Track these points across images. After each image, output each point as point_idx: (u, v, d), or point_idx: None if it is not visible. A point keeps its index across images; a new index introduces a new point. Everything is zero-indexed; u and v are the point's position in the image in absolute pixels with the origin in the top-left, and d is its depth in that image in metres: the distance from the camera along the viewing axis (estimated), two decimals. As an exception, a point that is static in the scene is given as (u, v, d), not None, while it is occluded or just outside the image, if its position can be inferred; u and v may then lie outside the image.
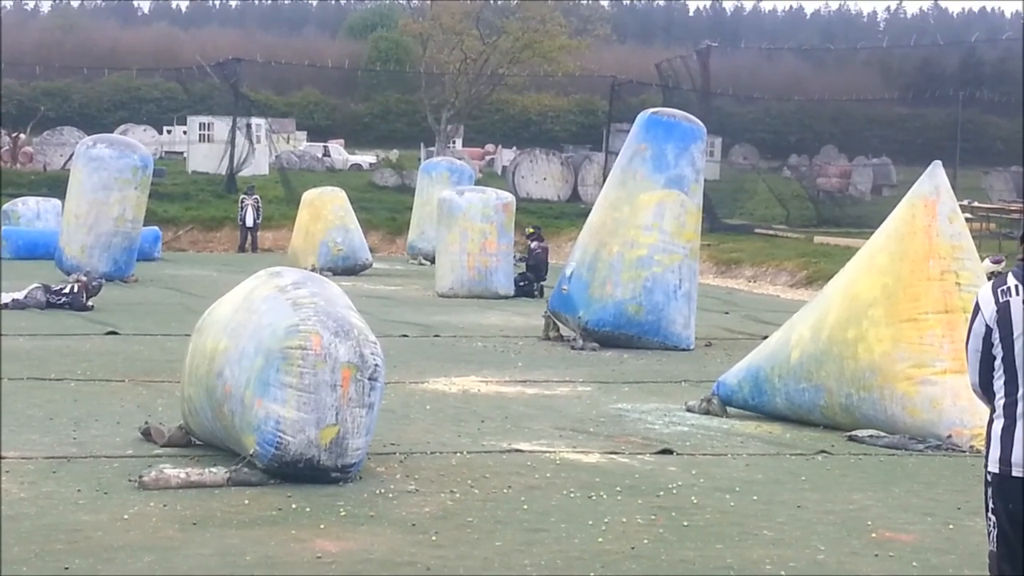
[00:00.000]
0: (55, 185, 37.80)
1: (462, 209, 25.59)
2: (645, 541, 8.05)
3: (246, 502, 8.74)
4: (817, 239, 37.32)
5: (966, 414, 11.35)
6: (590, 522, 8.46)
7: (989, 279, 8.27)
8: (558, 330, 18.79)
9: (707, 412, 12.97)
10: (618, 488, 9.46)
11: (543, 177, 50.85)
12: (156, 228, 34.11)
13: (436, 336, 18.87)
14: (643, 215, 18.07)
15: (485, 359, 16.65)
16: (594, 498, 9.16)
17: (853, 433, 11.85)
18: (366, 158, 67.35)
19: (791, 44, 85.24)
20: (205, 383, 9.95)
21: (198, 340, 10.35)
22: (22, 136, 57.23)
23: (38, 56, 75.06)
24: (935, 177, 12.54)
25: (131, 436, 10.82)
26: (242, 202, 38.65)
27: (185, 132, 62.19)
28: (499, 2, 61.49)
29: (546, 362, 16.58)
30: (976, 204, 40.70)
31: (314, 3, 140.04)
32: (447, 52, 57.22)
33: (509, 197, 26.82)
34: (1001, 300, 5.48)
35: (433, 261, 28.57)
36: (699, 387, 14.34)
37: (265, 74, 71.47)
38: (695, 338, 18.41)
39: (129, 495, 8.84)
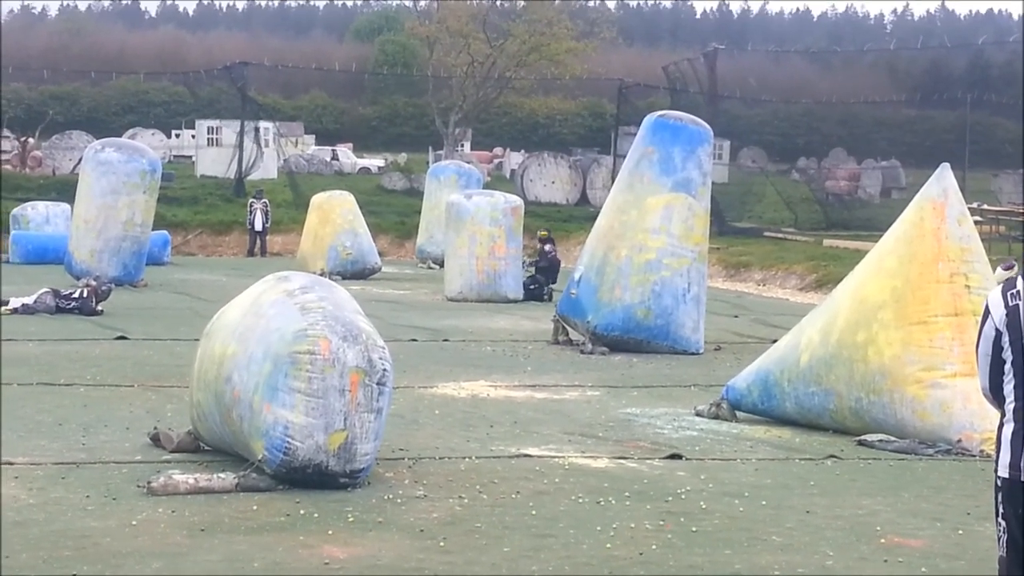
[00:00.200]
0: (64, 189, 37.84)
1: (470, 213, 25.59)
2: (653, 547, 8.03)
3: (254, 508, 8.74)
4: (826, 242, 37.27)
5: (976, 418, 11.32)
6: (598, 528, 8.45)
7: None
8: (567, 334, 18.78)
9: (716, 416, 12.95)
10: (627, 493, 9.45)
11: (551, 180, 50.84)
12: (165, 232, 34.16)
13: (445, 340, 18.87)
14: (651, 219, 18.06)
15: (494, 363, 16.64)
16: (603, 503, 9.15)
17: (863, 438, 11.83)
18: (375, 162, 67.39)
19: (798, 46, 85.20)
20: (214, 388, 9.95)
21: (206, 345, 10.35)
22: (31, 140, 57.31)
23: (46, 60, 75.20)
24: (943, 180, 12.51)
25: (140, 441, 10.83)
26: (251, 206, 38.66)
27: (193, 136, 62.26)
28: (505, 5, 61.48)
29: (555, 366, 16.57)
30: (985, 207, 40.63)
31: (321, 6, 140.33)
32: (454, 55, 57.23)
33: (517, 201, 26.82)
34: (1011, 303, 5.46)
35: (442, 265, 28.56)
36: (708, 391, 14.32)
37: (272, 77, 71.63)
38: (704, 342, 18.39)
39: (138, 501, 8.84)
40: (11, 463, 9.86)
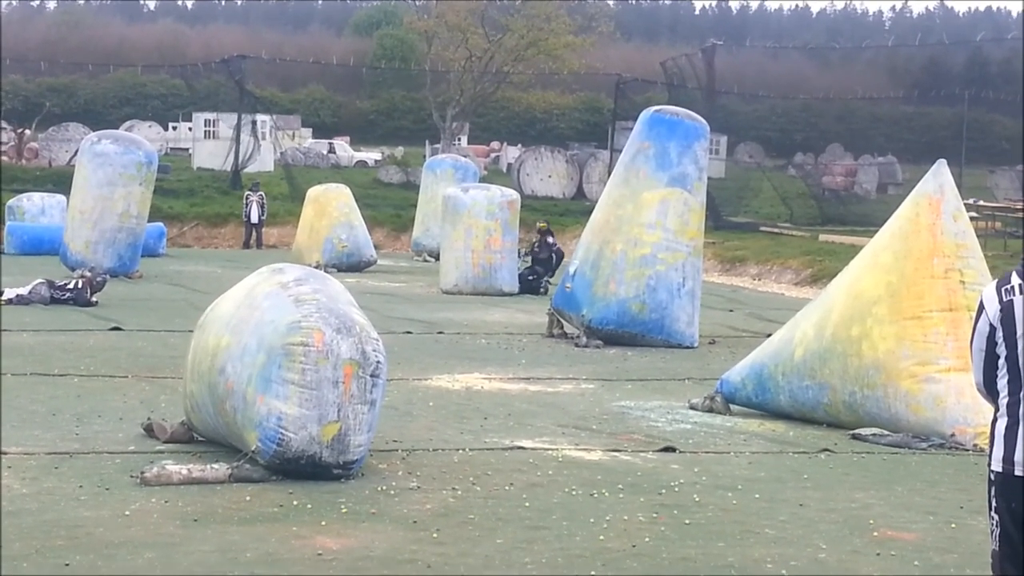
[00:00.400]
0: (60, 181, 37.84)
1: (467, 206, 25.58)
2: (647, 539, 8.03)
3: (248, 499, 8.73)
4: (822, 237, 37.29)
5: (970, 412, 11.33)
6: (592, 520, 8.45)
7: None
8: (562, 327, 18.78)
9: (710, 410, 12.95)
10: (620, 486, 9.45)
11: (548, 175, 50.88)
12: (161, 224, 34.13)
13: (440, 333, 18.86)
14: (646, 213, 18.05)
15: (489, 356, 16.63)
16: (596, 496, 9.15)
17: (856, 432, 11.83)
18: (371, 155, 67.41)
19: (797, 43, 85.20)
20: (207, 379, 9.95)
21: (200, 336, 10.34)
22: (27, 132, 57.32)
23: (44, 52, 75.08)
24: (939, 175, 12.51)
25: (134, 432, 10.82)
26: (247, 198, 38.66)
27: (190, 128, 62.28)
28: (504, 0, 61.46)
29: (550, 359, 16.56)
30: (982, 203, 40.69)
31: (320, 1, 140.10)
32: (452, 49, 57.28)
33: (514, 194, 26.82)
34: (1005, 299, 5.46)
35: (438, 258, 28.56)
36: (703, 385, 14.33)
37: (270, 71, 71.56)
38: (699, 336, 18.39)
39: (131, 491, 8.83)
40: (4, 452, 9.85)
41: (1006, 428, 5.44)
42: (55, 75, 75.21)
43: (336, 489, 9.04)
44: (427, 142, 62.70)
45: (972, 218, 15.45)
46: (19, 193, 36.17)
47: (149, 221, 28.35)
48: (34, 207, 33.97)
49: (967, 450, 11.18)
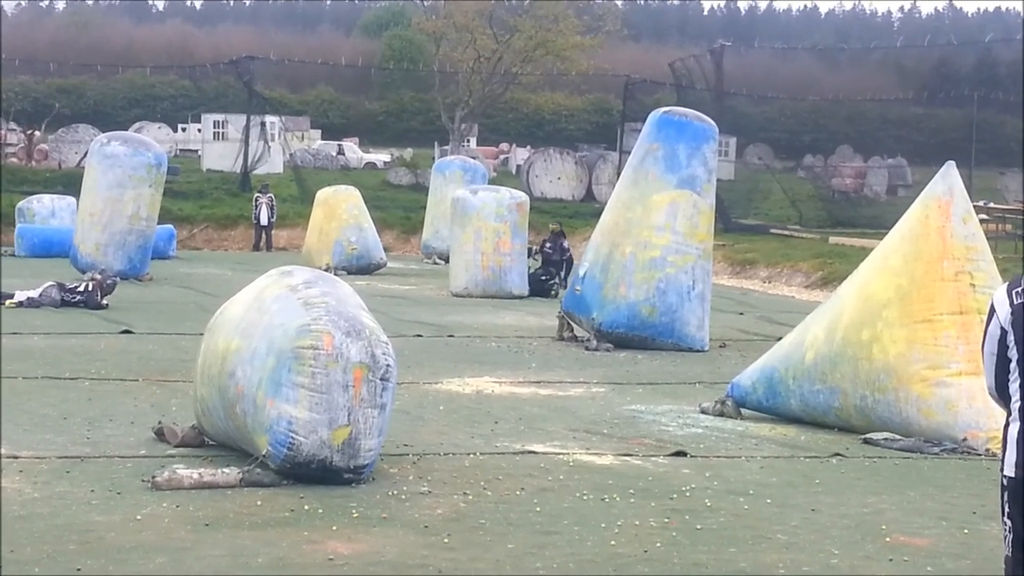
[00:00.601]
0: (70, 183, 37.87)
1: (476, 208, 25.57)
2: (658, 544, 8.02)
3: (258, 503, 8.73)
4: (832, 240, 37.22)
5: (982, 416, 11.31)
6: (603, 525, 8.44)
7: None
8: (572, 331, 18.77)
9: (721, 414, 12.93)
10: (631, 490, 9.44)
11: (557, 176, 50.85)
12: (171, 226, 34.18)
13: (450, 336, 18.85)
14: (656, 215, 18.04)
15: (499, 360, 16.63)
16: (607, 500, 9.13)
17: (868, 436, 11.81)
18: (380, 157, 67.41)
19: (805, 44, 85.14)
20: (217, 383, 9.94)
21: (210, 340, 10.34)
22: (37, 133, 57.37)
23: (53, 53, 75.14)
24: (949, 178, 12.49)
25: (145, 436, 10.82)
26: (256, 200, 38.68)
27: (199, 130, 62.30)
28: (512, 1, 61.43)
29: (560, 363, 16.55)
30: (992, 205, 40.58)
31: (328, 1, 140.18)
32: (460, 50, 57.23)
33: (523, 196, 26.79)
34: (1016, 302, 5.46)
35: (447, 261, 28.55)
36: (713, 389, 14.31)
37: (279, 72, 71.57)
38: (709, 339, 18.37)
39: (142, 495, 8.84)
40: (16, 456, 9.87)
41: (1019, 433, 5.43)
42: (64, 76, 75.24)
43: (347, 493, 9.04)
44: (436, 143, 62.70)
45: (982, 220, 15.43)
46: (29, 195, 36.22)
47: (159, 223, 28.39)
48: (44, 209, 34.03)
49: (979, 455, 11.15)
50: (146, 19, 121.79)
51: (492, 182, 37.27)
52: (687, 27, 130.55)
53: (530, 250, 26.83)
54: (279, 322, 9.53)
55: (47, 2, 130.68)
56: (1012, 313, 5.45)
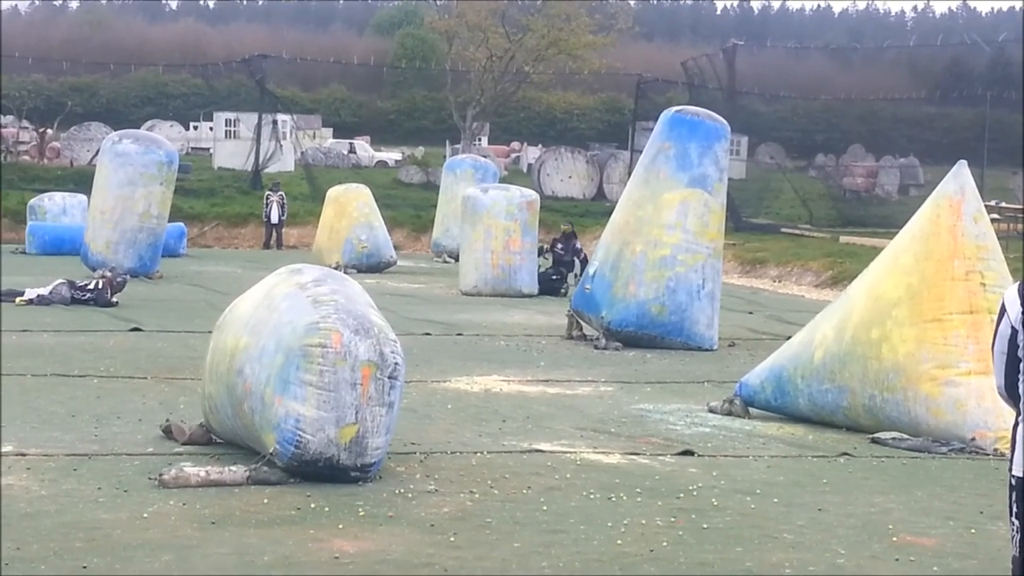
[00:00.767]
0: (82, 180, 37.93)
1: (486, 207, 25.55)
2: (664, 543, 8.01)
3: (265, 501, 8.73)
4: (843, 239, 37.16)
5: (990, 416, 11.28)
6: (609, 524, 8.43)
7: None
8: (581, 329, 18.76)
9: (729, 413, 12.91)
10: (638, 489, 9.43)
11: (568, 175, 50.83)
12: (181, 224, 34.21)
13: (459, 334, 18.85)
14: (666, 214, 18.01)
15: (508, 358, 16.62)
16: (614, 499, 9.12)
17: (876, 435, 11.78)
18: (392, 155, 67.45)
19: (818, 43, 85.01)
20: (225, 380, 9.95)
21: (219, 337, 10.35)
22: (49, 131, 57.48)
23: (66, 51, 75.29)
24: (960, 177, 12.45)
25: (152, 434, 10.83)
26: (267, 199, 38.71)
27: (211, 128, 62.38)
28: (525, 0, 61.44)
29: (569, 361, 16.54)
30: (1004, 204, 40.47)
31: (341, 0, 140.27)
32: (473, 49, 57.25)
33: (533, 195, 26.76)
34: (1027, 301, 5.43)
35: (457, 259, 28.54)
36: (722, 388, 14.29)
37: (291, 70, 71.66)
38: (718, 338, 18.35)
39: (149, 493, 8.84)
40: (23, 454, 9.88)
41: (1028, 433, 5.41)
42: (77, 74, 75.38)
43: (353, 492, 9.04)
44: (447, 142, 62.72)
45: (994, 220, 15.39)
46: (41, 193, 36.28)
47: (169, 221, 28.40)
48: (55, 207, 34.08)
49: (987, 455, 11.13)
50: (159, 17, 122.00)
51: (503, 181, 37.27)
52: (700, 26, 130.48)
53: (541, 249, 26.79)
54: (288, 320, 9.53)
55: (60, 1, 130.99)
56: (1023, 312, 5.43)
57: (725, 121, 19.03)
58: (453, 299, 24.53)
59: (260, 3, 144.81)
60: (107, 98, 76.81)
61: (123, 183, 26.12)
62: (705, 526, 8.46)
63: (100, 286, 20.95)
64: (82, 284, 21.15)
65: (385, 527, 8.23)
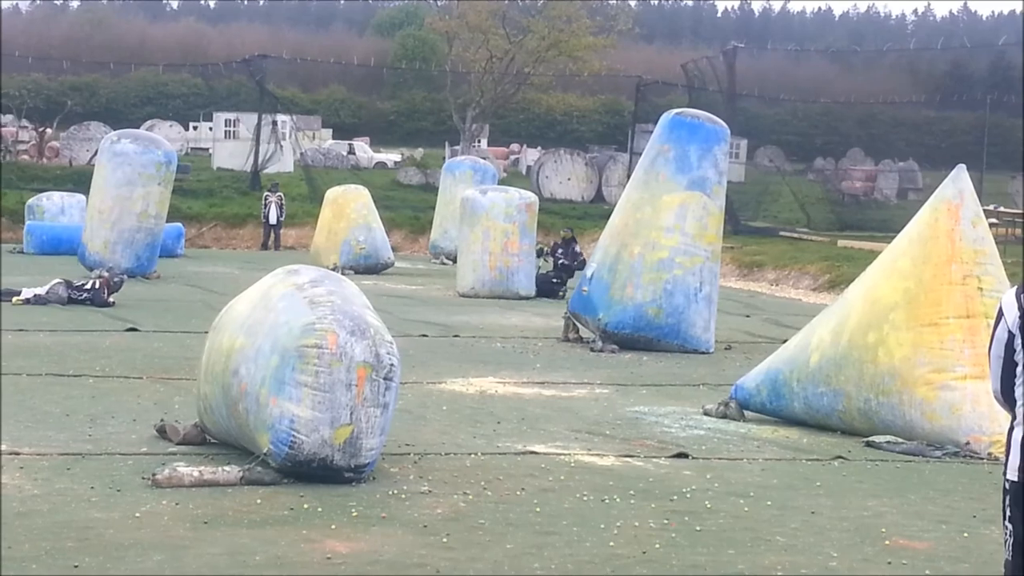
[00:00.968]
0: (80, 180, 37.94)
1: (485, 209, 25.56)
2: (657, 545, 8.01)
3: (258, 501, 8.73)
4: (841, 243, 37.15)
5: (985, 420, 11.27)
6: (602, 526, 8.43)
7: None
8: (578, 332, 18.75)
9: (724, 416, 12.91)
10: (631, 492, 9.43)
11: (567, 177, 50.83)
12: (179, 224, 34.21)
13: (455, 336, 18.85)
14: (665, 217, 18.02)
15: (503, 360, 16.62)
16: (607, 501, 9.12)
17: (870, 439, 11.78)
18: (391, 156, 67.47)
19: (819, 46, 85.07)
20: (221, 381, 9.95)
21: (215, 338, 10.34)
22: (49, 131, 57.49)
23: (66, 51, 75.40)
24: (959, 181, 12.45)
25: (147, 433, 10.83)
26: (266, 199, 38.70)
27: (211, 128, 62.40)
28: (525, 1, 61.44)
29: (565, 364, 16.54)
30: (1002, 209, 40.46)
31: (342, 1, 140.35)
32: (473, 51, 57.24)
33: (532, 197, 26.76)
34: (1024, 305, 5.44)
35: (455, 261, 28.53)
36: (718, 391, 14.28)
37: (291, 71, 71.69)
38: (715, 341, 18.35)
39: (142, 493, 8.84)
40: (17, 453, 9.88)
41: (1023, 437, 5.41)
42: (77, 74, 75.42)
43: (347, 492, 9.04)
44: (447, 144, 62.74)
45: (992, 224, 15.39)
46: (40, 192, 36.29)
47: (168, 221, 28.40)
48: (54, 206, 34.09)
49: (982, 459, 11.12)
50: (160, 17, 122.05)
51: (502, 183, 37.24)
52: (700, 28, 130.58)
53: (540, 251, 26.78)
54: (284, 320, 9.53)
55: (61, 0, 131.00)
56: (1020, 316, 5.45)
57: (725, 124, 19.03)
58: (450, 301, 24.53)
59: (260, 3, 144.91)
60: (107, 98, 76.86)
61: (121, 183, 26.11)
62: (698, 528, 8.46)
63: (97, 286, 20.95)
64: (79, 284, 21.14)
65: (378, 528, 8.23)
